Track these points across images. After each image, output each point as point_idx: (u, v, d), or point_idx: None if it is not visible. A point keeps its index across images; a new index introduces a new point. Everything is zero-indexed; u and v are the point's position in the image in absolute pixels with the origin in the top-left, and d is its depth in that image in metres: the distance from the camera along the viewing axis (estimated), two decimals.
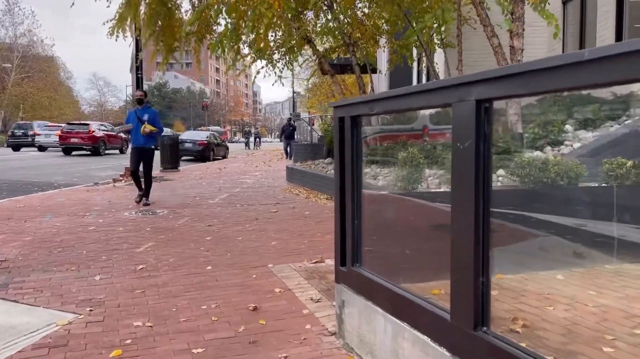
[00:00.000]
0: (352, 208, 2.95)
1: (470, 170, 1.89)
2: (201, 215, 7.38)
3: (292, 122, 23.26)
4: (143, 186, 8.46)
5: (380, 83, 24.12)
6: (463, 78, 1.93)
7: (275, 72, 11.38)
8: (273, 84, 12.48)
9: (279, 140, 27.44)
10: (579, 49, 9.55)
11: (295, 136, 20.48)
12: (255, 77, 11.01)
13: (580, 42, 9.42)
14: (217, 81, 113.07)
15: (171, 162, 15.85)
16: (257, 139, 45.67)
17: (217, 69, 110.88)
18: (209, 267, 4.59)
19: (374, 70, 22.59)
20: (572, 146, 5.78)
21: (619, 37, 8.03)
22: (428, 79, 14.83)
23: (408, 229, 3.15)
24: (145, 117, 8.15)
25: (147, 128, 8.02)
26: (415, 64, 15.84)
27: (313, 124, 19.96)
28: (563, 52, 9.92)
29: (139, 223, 6.73)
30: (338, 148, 3.07)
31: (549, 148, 5.91)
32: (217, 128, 56.97)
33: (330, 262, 4.70)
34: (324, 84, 34.45)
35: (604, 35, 8.43)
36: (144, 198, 8.36)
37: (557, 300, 2.67)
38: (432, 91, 2.12)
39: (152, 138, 8.33)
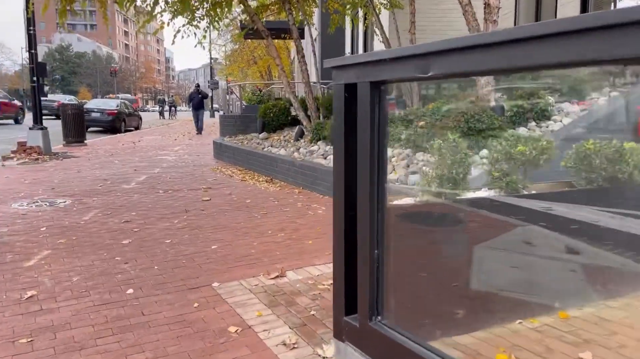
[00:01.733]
0: (371, 229, 1.86)
1: None
2: (115, 205, 5.96)
3: (200, 89, 20.05)
4: None
5: (307, 50, 22.81)
6: None
7: (195, 33, 9.93)
8: (195, 46, 11.01)
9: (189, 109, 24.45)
10: (534, 14, 8.91)
11: (213, 105, 18.59)
12: (174, 37, 9.46)
13: (537, 5, 8.77)
14: (126, 45, 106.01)
15: (76, 135, 13.86)
16: (173, 108, 42.99)
17: (126, 32, 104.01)
18: (130, 290, 3.34)
19: (302, 35, 21.19)
20: (561, 121, 5.02)
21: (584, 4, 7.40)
22: (365, 47, 13.85)
23: (460, 255, 2.12)
24: None
25: None
26: (348, 28, 14.82)
27: (232, 93, 18.40)
28: (515, 21, 9.26)
29: (31, 221, 5.23)
30: (342, 135, 1.95)
31: (533, 123, 5.11)
32: (127, 96, 53.14)
33: (294, 276, 3.61)
34: (244, 50, 32.57)
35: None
36: None
37: None
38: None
39: None
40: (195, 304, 3.11)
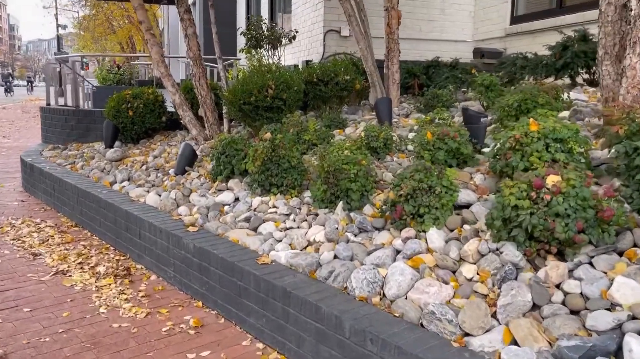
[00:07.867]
0: None
1: None
2: None
3: None
4: None
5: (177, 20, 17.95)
6: None
7: None
8: None
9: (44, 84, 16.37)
10: None
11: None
12: None
13: None
14: None
15: None
16: (30, 84, 35.99)
17: None
18: None
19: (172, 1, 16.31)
20: None
21: None
22: (273, 11, 9.84)
23: None
24: None
25: None
26: None
27: (87, 69, 13.39)
28: None
29: None
30: None
31: None
32: None
33: None
34: (100, 16, 26.45)
35: None
36: None
37: None
38: None
39: None
40: None
